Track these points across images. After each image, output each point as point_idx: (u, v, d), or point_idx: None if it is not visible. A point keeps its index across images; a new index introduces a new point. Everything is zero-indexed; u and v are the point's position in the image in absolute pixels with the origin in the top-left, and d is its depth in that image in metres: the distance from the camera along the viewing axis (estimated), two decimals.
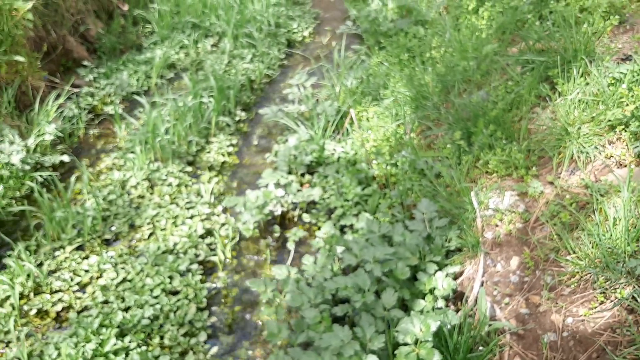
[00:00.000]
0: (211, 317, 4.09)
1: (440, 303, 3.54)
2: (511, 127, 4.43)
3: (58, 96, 6.26)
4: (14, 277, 4.24)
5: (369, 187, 4.90)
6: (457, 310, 3.61)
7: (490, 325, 3.28)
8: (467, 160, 4.36)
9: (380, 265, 3.66)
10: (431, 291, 3.60)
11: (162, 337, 3.87)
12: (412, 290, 3.66)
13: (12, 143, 5.30)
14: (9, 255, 4.41)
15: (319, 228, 4.71)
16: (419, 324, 3.20)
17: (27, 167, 5.28)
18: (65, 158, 5.64)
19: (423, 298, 3.59)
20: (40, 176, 5.28)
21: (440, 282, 3.55)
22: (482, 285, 3.55)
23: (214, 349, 3.84)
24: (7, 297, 4.12)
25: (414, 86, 5.57)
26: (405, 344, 3.21)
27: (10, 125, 5.56)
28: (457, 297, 3.75)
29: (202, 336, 3.90)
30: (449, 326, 3.28)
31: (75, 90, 6.72)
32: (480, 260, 3.65)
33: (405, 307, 3.66)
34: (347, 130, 5.71)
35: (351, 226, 4.65)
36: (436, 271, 3.66)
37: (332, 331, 3.27)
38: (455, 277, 3.78)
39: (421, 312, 3.51)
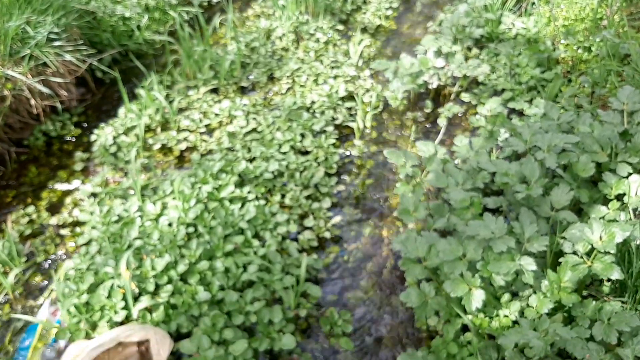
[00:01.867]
0: (339, 184, 3.60)
1: (626, 215, 2.72)
2: None
3: None
4: (143, 108, 4.00)
5: (550, 71, 3.99)
6: None
7: None
8: None
9: (555, 156, 2.88)
10: (618, 197, 2.78)
11: (283, 196, 3.45)
12: (593, 194, 2.87)
13: None
14: (142, 87, 4.16)
15: (480, 105, 3.93)
16: (599, 230, 2.44)
17: (174, 1, 4.95)
18: None
19: (605, 205, 2.79)
20: (187, 12, 4.94)
21: (635, 187, 2.71)
22: None
23: (337, 218, 3.37)
24: (133, 127, 3.90)
25: None
26: (574, 254, 2.50)
27: None
28: None
29: (326, 203, 3.43)
30: (638, 242, 2.49)
31: None
32: None
33: (579, 211, 2.89)
34: (533, 4, 4.70)
35: (521, 112, 3.84)
36: (630, 174, 2.81)
37: (482, 219, 2.62)
38: None
39: (600, 219, 2.73)
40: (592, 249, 2.44)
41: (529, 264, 2.44)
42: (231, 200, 3.24)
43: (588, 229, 2.45)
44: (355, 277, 3.05)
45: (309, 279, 3.02)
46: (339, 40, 4.82)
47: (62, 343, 2.68)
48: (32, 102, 3.76)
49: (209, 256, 2.89)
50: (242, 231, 3.06)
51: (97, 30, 4.42)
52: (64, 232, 3.29)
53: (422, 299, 2.55)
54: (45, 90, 3.73)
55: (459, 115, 4.03)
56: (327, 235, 3.25)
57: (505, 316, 2.47)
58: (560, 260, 2.47)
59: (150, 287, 2.69)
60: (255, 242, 3.00)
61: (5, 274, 3.03)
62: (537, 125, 3.16)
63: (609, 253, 2.36)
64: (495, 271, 2.43)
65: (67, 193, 3.54)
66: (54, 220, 3.35)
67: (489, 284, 2.54)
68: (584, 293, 2.58)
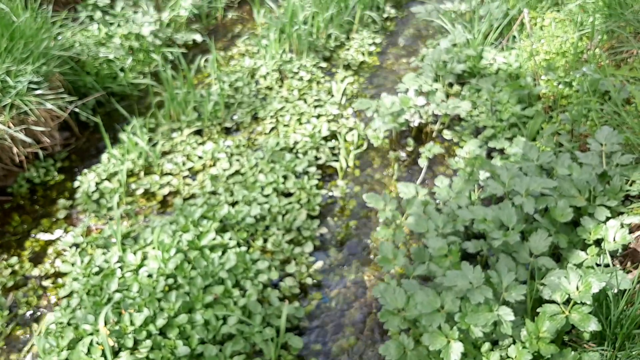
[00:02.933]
0: (321, 227, 3.60)
1: (606, 260, 2.73)
2: None
3: None
4: (125, 152, 4.01)
5: (531, 107, 4.02)
6: (626, 272, 2.78)
7: None
8: None
9: (533, 200, 2.89)
10: (597, 242, 2.79)
11: (265, 240, 3.45)
12: (571, 238, 2.87)
13: (145, 14, 5.01)
14: (124, 130, 4.18)
15: (459, 148, 3.96)
16: (575, 280, 2.44)
17: (158, 42, 5.00)
18: (198, 37, 5.30)
19: (584, 250, 2.79)
20: (170, 52, 4.98)
21: (612, 232, 2.72)
22: None
23: (319, 264, 3.36)
24: (116, 173, 3.90)
25: None
26: (552, 302, 2.49)
27: None
28: (627, 256, 2.91)
29: (308, 247, 3.43)
30: (615, 290, 2.49)
31: None
32: None
33: (557, 257, 2.90)
34: (514, 37, 4.75)
35: (501, 151, 3.86)
36: (608, 218, 2.82)
37: (459, 268, 2.62)
38: (631, 230, 2.91)
39: (579, 266, 2.74)
40: (570, 297, 2.43)
41: (507, 314, 2.44)
42: (212, 249, 3.23)
43: (565, 279, 2.45)
44: (338, 325, 3.04)
45: (291, 328, 3.00)
46: (322, 78, 4.86)
47: None
48: (15, 150, 3.76)
49: (188, 308, 2.88)
50: (222, 281, 3.05)
51: (81, 74, 4.45)
52: (46, 283, 3.27)
53: (400, 352, 2.53)
54: (27, 139, 3.74)
55: (441, 154, 4.04)
56: (309, 281, 3.24)
57: None
58: (537, 310, 2.46)
59: (129, 343, 2.67)
60: (236, 292, 2.99)
61: None
62: (516, 167, 3.17)
63: (585, 304, 2.36)
64: (473, 323, 2.42)
65: (50, 242, 3.53)
66: (36, 272, 3.34)
67: (468, 334, 2.53)
68: (565, 338, 2.57)
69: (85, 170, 3.95)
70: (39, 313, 3.13)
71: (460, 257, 2.81)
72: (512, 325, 2.46)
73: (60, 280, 3.28)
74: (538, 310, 2.47)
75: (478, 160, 3.42)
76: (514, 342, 2.49)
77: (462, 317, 2.45)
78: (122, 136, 4.07)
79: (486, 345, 2.52)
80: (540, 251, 2.73)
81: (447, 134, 4.15)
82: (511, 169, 3.12)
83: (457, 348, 2.40)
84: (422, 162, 3.81)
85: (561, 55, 4.29)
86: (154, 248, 3.18)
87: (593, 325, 2.29)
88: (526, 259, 2.75)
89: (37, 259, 3.44)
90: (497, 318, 2.44)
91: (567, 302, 2.45)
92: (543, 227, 2.84)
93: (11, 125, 3.67)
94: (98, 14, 5.01)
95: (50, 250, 3.47)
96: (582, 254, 2.75)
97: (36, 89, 3.82)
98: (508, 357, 2.45)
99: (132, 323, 2.74)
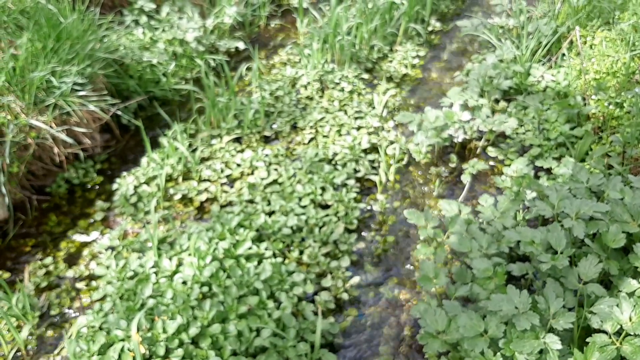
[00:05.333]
0: (359, 241, 3.51)
1: None
2: None
3: None
4: (165, 157, 4.00)
5: (579, 127, 3.88)
6: None
7: None
8: None
9: (584, 224, 2.75)
10: None
11: (301, 252, 3.39)
12: (622, 265, 2.73)
13: (190, 20, 5.02)
14: (165, 135, 4.17)
15: (506, 166, 3.83)
16: (628, 310, 2.31)
17: (201, 48, 5.00)
18: (241, 45, 5.29)
19: (636, 278, 2.65)
20: (213, 59, 4.97)
21: None
22: None
23: (355, 279, 3.28)
24: (155, 177, 3.89)
25: None
26: (602, 331, 2.36)
27: (192, 3, 5.29)
28: None
29: (345, 261, 3.34)
30: None
31: None
32: None
33: (607, 284, 2.75)
34: (563, 56, 4.62)
35: (548, 170, 3.72)
36: None
37: (505, 292, 2.50)
38: None
39: (630, 295, 2.59)
40: (622, 328, 2.30)
41: (554, 343, 2.32)
42: (247, 258, 3.18)
43: (617, 308, 2.31)
44: (373, 344, 2.94)
45: (325, 344, 2.92)
46: (364, 90, 4.79)
47: None
48: (56, 150, 3.78)
49: (221, 318, 2.82)
50: (257, 291, 2.99)
51: (124, 77, 4.47)
52: (80, 285, 3.26)
53: None
54: (68, 139, 3.76)
55: (485, 171, 3.92)
56: (345, 296, 3.16)
57: None
58: (587, 339, 2.33)
59: (161, 351, 2.62)
60: (270, 304, 2.92)
61: (19, 327, 3.00)
62: (565, 188, 3.04)
63: (639, 336, 2.22)
64: (518, 350, 2.30)
65: (86, 244, 3.53)
66: (70, 273, 3.33)
67: None
68: None
69: (124, 173, 3.95)
70: (71, 315, 3.11)
71: (506, 280, 2.69)
72: (559, 355, 2.34)
73: (94, 283, 3.26)
74: (587, 340, 2.34)
75: (525, 180, 3.30)
76: None
77: (507, 343, 2.33)
78: (163, 141, 4.06)
79: None
80: (590, 277, 2.59)
81: (491, 151, 4.03)
82: (560, 191, 3.00)
83: None
84: (466, 179, 3.71)
85: (612, 75, 4.14)
86: (189, 255, 3.15)
87: None
88: (575, 285, 2.62)
89: (72, 260, 3.44)
90: (543, 346, 2.31)
91: (619, 333, 2.31)
92: (593, 253, 2.70)
93: (53, 125, 3.69)
94: (143, 19, 5.05)
95: (85, 252, 3.46)
96: (634, 283, 2.60)
97: (80, 90, 3.84)
98: None
99: (164, 330, 2.69)
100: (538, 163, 3.70)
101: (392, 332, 3.00)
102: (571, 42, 4.59)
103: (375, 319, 3.07)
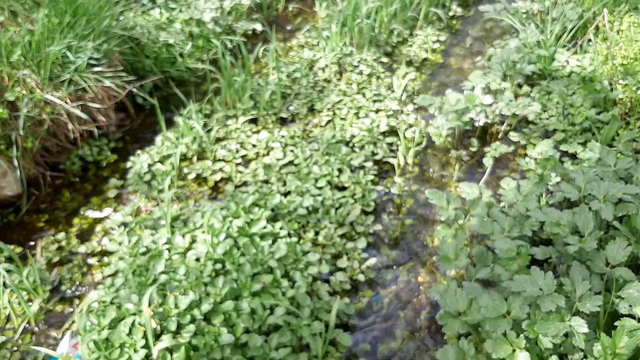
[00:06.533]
0: (376, 224, 3.43)
1: None
2: None
3: None
4: (180, 136, 3.94)
5: (606, 112, 3.76)
6: None
7: None
8: None
9: (612, 207, 2.65)
10: None
11: (316, 233, 3.31)
12: None
13: (207, 0, 4.96)
14: (180, 114, 4.11)
15: (530, 149, 3.71)
16: None
17: (218, 29, 4.93)
18: (258, 27, 5.22)
19: None
20: (230, 40, 4.90)
21: None
22: None
23: (372, 260, 3.19)
24: (169, 155, 3.84)
25: None
26: (630, 316, 2.26)
27: None
28: None
29: (362, 243, 3.26)
30: None
31: None
32: None
33: (636, 269, 2.64)
34: (589, 41, 4.48)
35: (574, 156, 3.61)
36: None
37: (528, 273, 2.41)
38: None
39: None
40: None
41: (580, 326, 2.22)
42: (262, 237, 3.11)
43: None
44: (389, 326, 2.86)
45: (340, 325, 2.84)
46: (383, 73, 4.69)
47: None
48: (70, 126, 3.74)
49: (234, 295, 2.75)
50: (271, 270, 2.91)
51: (140, 56, 4.42)
52: (92, 261, 3.21)
53: (460, 358, 2.34)
54: (83, 115, 3.71)
55: (507, 155, 3.82)
56: (361, 277, 3.08)
57: None
58: (615, 323, 2.23)
59: (172, 326, 2.56)
60: (285, 282, 2.85)
61: (30, 301, 2.96)
62: (592, 171, 2.93)
63: None
64: (542, 332, 2.21)
65: (99, 221, 3.48)
66: (82, 248, 3.28)
67: (534, 345, 2.31)
68: None
69: (139, 152, 3.90)
70: (82, 290, 3.07)
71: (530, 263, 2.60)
72: (585, 339, 2.24)
73: (106, 259, 3.21)
74: (615, 324, 2.24)
75: (550, 162, 3.19)
76: (585, 357, 2.26)
77: (531, 325, 2.24)
78: (178, 120, 4.01)
79: (554, 359, 2.31)
80: (618, 261, 2.48)
81: (513, 136, 3.92)
82: (587, 173, 2.89)
83: (523, 358, 2.19)
84: (487, 162, 3.60)
85: None
86: (203, 232, 3.08)
87: None
88: (602, 269, 2.51)
89: (84, 236, 3.39)
90: (568, 329, 2.22)
91: None
92: (622, 236, 2.60)
93: (68, 101, 3.64)
94: None
95: (98, 228, 3.41)
96: None
97: (95, 66, 3.79)
98: None
99: (176, 306, 2.63)
100: (563, 147, 3.59)
101: (409, 315, 2.91)
102: (597, 27, 4.45)
103: (391, 301, 2.98)
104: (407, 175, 3.79)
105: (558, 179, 3.16)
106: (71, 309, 2.96)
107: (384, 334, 2.82)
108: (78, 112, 3.64)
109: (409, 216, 3.49)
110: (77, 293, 3.06)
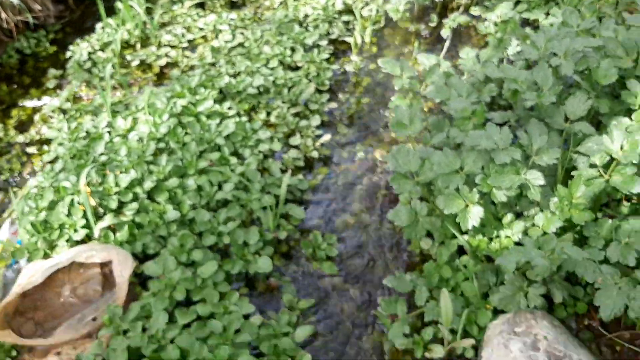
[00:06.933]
0: (331, 102, 3.27)
1: None
2: None
3: None
4: (121, 22, 3.67)
5: None
6: None
7: None
8: None
9: (573, 63, 2.51)
10: None
11: (268, 114, 3.14)
12: (613, 107, 2.51)
13: None
14: (121, 0, 3.82)
15: (489, 12, 3.52)
16: (620, 139, 2.11)
17: None
18: None
19: (628, 116, 2.44)
20: None
21: None
22: None
23: (326, 137, 3.06)
24: (110, 43, 3.58)
25: None
26: (591, 167, 2.18)
27: None
28: None
29: (315, 120, 3.12)
30: None
31: None
32: None
33: (597, 124, 2.54)
34: None
35: (535, 23, 3.45)
36: None
37: (484, 129, 2.29)
38: None
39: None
40: (611, 160, 2.11)
41: (536, 179, 2.13)
42: (209, 116, 2.93)
43: (607, 137, 2.12)
44: (343, 201, 2.76)
45: (293, 200, 2.73)
46: None
47: (22, 263, 2.45)
48: (3, 15, 3.45)
49: (180, 173, 2.61)
50: (218, 148, 2.77)
51: None
52: (31, 150, 3.04)
53: (412, 218, 2.26)
54: (15, 2, 3.41)
55: (467, 28, 3.64)
56: (315, 155, 2.95)
57: (507, 237, 2.18)
58: (572, 173, 2.15)
59: (113, 205, 2.42)
60: (233, 160, 2.71)
61: None
62: (554, 31, 2.77)
63: (631, 164, 2.03)
64: (496, 185, 2.11)
65: (37, 110, 3.27)
66: (21, 138, 3.10)
67: (489, 201, 2.23)
68: (599, 215, 2.27)
69: (78, 41, 3.64)
70: (21, 179, 2.90)
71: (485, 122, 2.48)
72: (541, 193, 2.15)
73: (45, 148, 3.03)
74: (572, 173, 2.16)
75: (510, 24, 3.02)
76: (541, 211, 2.19)
77: (485, 179, 2.14)
78: (119, 5, 3.72)
79: (508, 217, 2.24)
80: (578, 116, 2.37)
81: (475, 10, 3.72)
82: (548, 33, 2.73)
83: (476, 213, 2.11)
84: (446, 33, 3.42)
85: None
86: (145, 113, 2.90)
87: (638, 187, 1.97)
88: (561, 125, 2.40)
89: (23, 127, 3.19)
90: (524, 181, 2.12)
91: (607, 166, 2.13)
92: (583, 90, 2.47)
93: None
94: None
95: (37, 117, 3.21)
96: (625, 120, 2.39)
97: None
98: (534, 225, 2.17)
99: (117, 184, 2.49)
100: (525, 15, 3.41)
101: (364, 189, 2.81)
102: None
103: (347, 178, 2.87)
104: (365, 54, 3.61)
105: (519, 48, 3.00)
106: (10, 199, 2.80)
107: (338, 208, 2.73)
108: None
109: (366, 94, 3.34)
110: (16, 182, 2.89)
